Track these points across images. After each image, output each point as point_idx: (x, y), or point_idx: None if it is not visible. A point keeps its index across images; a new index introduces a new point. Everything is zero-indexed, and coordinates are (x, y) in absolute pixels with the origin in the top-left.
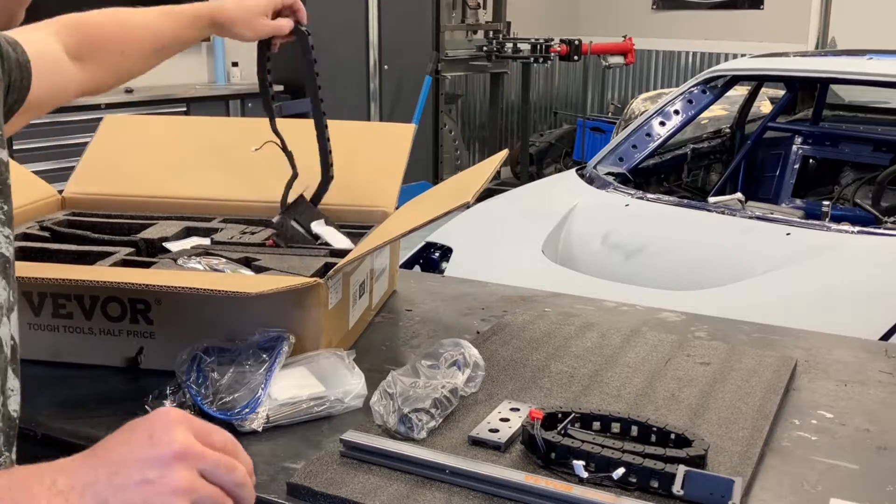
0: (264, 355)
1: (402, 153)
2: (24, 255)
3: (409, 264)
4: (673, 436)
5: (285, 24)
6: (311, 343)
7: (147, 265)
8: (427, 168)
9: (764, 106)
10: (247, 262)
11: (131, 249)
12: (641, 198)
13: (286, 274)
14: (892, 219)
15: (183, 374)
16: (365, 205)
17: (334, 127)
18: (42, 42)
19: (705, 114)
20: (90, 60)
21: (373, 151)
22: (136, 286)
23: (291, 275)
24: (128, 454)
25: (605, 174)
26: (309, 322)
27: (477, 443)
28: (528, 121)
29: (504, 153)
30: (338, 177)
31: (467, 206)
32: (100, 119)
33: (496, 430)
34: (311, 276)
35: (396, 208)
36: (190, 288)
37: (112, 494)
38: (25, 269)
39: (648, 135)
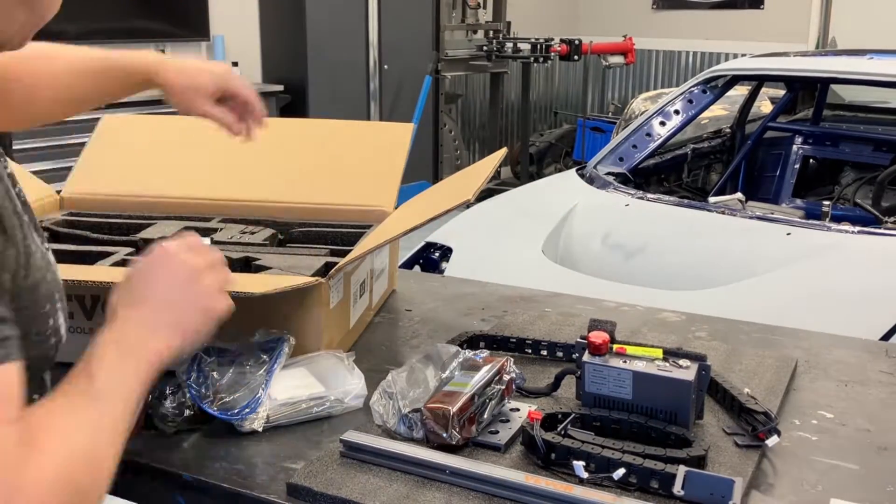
0: (264, 356)
1: (401, 152)
2: None
3: (409, 264)
4: (673, 436)
5: (225, 118)
6: (313, 342)
7: None
8: (427, 168)
9: (764, 106)
10: (247, 262)
11: (131, 249)
12: (641, 198)
13: (287, 273)
14: (892, 219)
15: (183, 373)
16: (364, 204)
17: (333, 126)
18: None
19: (705, 114)
20: (6, 107)
21: (371, 151)
22: None
23: (292, 274)
24: (169, 291)
25: (606, 174)
26: (310, 321)
27: (477, 443)
28: (528, 121)
29: (503, 151)
30: (336, 176)
31: (468, 204)
32: (98, 119)
33: (496, 431)
34: (312, 275)
35: (395, 208)
36: None
37: (183, 318)
38: None
39: (648, 135)
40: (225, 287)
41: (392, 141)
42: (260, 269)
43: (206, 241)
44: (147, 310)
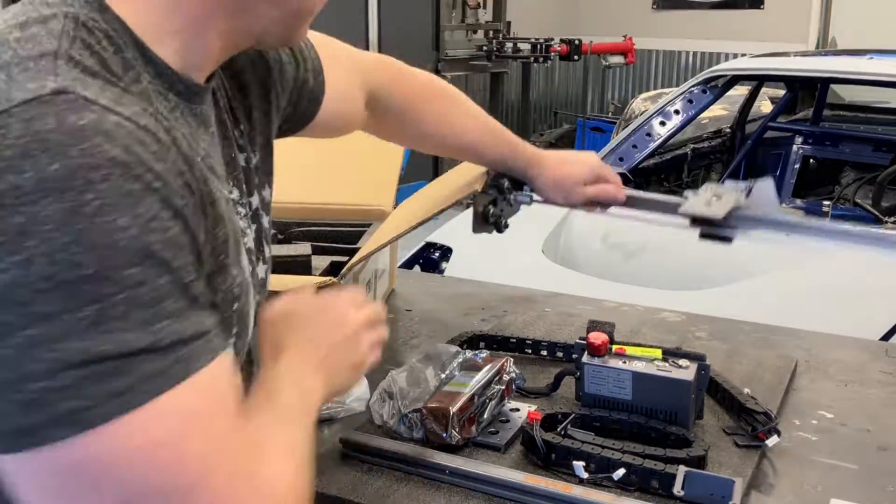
0: None
1: (398, 152)
2: None
3: (408, 264)
4: (673, 436)
5: (609, 189)
6: None
7: None
8: (427, 168)
9: (764, 106)
10: None
11: None
12: None
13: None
14: (892, 219)
15: None
16: (363, 204)
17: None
18: (338, 71)
19: (705, 113)
20: (381, 117)
21: (369, 151)
22: None
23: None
24: (329, 341)
25: None
26: None
27: (477, 443)
28: (528, 121)
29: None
30: (334, 176)
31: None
32: None
33: (496, 432)
34: (321, 274)
35: (394, 207)
36: None
37: (336, 371)
38: None
39: (649, 134)
40: (379, 342)
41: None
42: None
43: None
44: (310, 352)
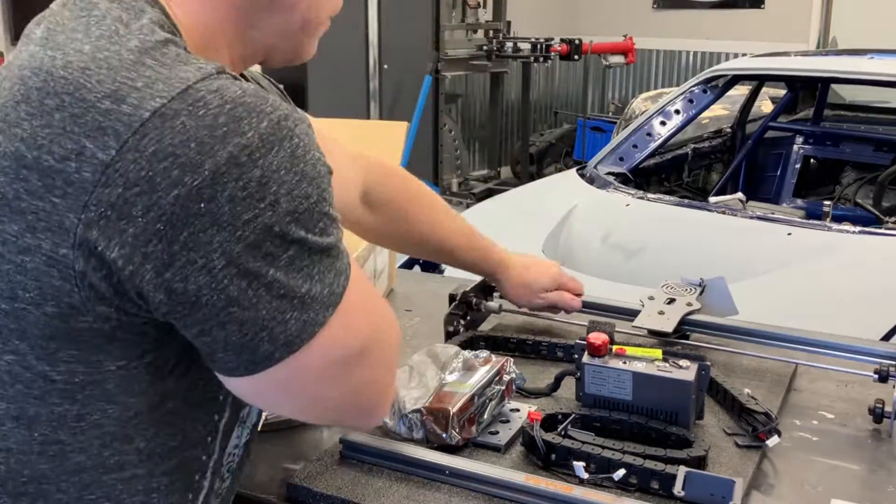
0: None
1: (396, 151)
2: None
3: (409, 264)
4: (673, 437)
5: (566, 297)
6: None
7: None
8: (427, 168)
9: (765, 105)
10: None
11: None
12: (642, 198)
13: None
14: (893, 219)
15: None
16: None
17: (326, 125)
18: (339, 155)
19: (706, 113)
20: (376, 210)
21: (366, 150)
22: None
23: None
24: None
25: (606, 174)
26: None
27: (477, 444)
28: (528, 120)
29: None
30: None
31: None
32: None
33: (496, 432)
34: None
35: None
36: None
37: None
38: None
39: (649, 134)
40: None
41: (387, 140)
42: None
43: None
44: None
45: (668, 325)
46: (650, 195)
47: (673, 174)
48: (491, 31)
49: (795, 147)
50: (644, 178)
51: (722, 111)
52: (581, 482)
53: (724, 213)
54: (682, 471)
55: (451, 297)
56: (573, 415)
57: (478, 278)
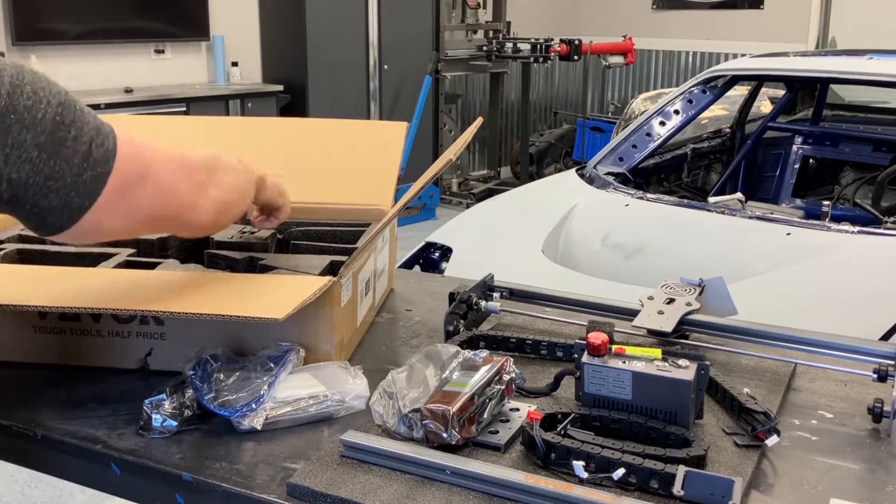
0: (272, 364)
1: (396, 151)
2: (22, 257)
3: (408, 264)
4: (673, 436)
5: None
6: (324, 340)
7: (151, 266)
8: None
9: (764, 106)
10: (251, 262)
11: (133, 250)
12: (641, 198)
13: (293, 273)
14: (892, 219)
15: (189, 370)
16: (361, 203)
17: (326, 125)
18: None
19: (705, 113)
20: None
21: (366, 150)
22: (146, 313)
23: (299, 273)
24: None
25: (605, 174)
26: (323, 320)
27: (477, 443)
28: (528, 121)
29: (479, 121)
30: (332, 176)
31: (451, 161)
32: None
33: (496, 431)
34: (319, 274)
35: (393, 206)
36: (211, 315)
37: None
38: (22, 278)
39: (648, 135)
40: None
41: (387, 139)
42: (265, 269)
43: None
44: None
45: (667, 325)
46: (650, 195)
47: (672, 174)
48: (491, 32)
49: (794, 147)
50: (643, 178)
51: (721, 111)
52: (580, 481)
53: (723, 213)
54: (681, 470)
55: (451, 297)
56: (573, 414)
57: (478, 278)
